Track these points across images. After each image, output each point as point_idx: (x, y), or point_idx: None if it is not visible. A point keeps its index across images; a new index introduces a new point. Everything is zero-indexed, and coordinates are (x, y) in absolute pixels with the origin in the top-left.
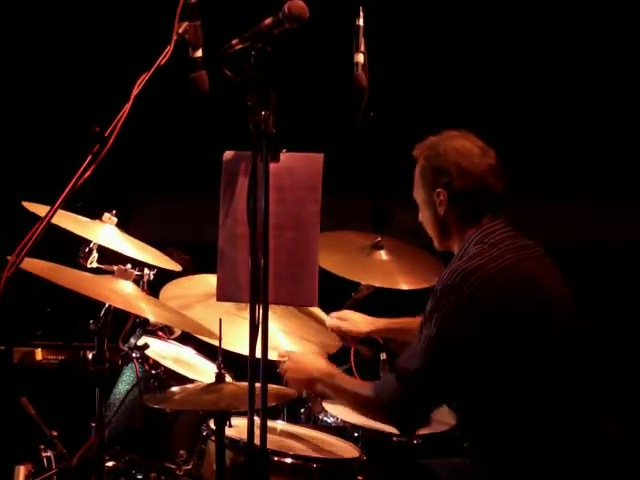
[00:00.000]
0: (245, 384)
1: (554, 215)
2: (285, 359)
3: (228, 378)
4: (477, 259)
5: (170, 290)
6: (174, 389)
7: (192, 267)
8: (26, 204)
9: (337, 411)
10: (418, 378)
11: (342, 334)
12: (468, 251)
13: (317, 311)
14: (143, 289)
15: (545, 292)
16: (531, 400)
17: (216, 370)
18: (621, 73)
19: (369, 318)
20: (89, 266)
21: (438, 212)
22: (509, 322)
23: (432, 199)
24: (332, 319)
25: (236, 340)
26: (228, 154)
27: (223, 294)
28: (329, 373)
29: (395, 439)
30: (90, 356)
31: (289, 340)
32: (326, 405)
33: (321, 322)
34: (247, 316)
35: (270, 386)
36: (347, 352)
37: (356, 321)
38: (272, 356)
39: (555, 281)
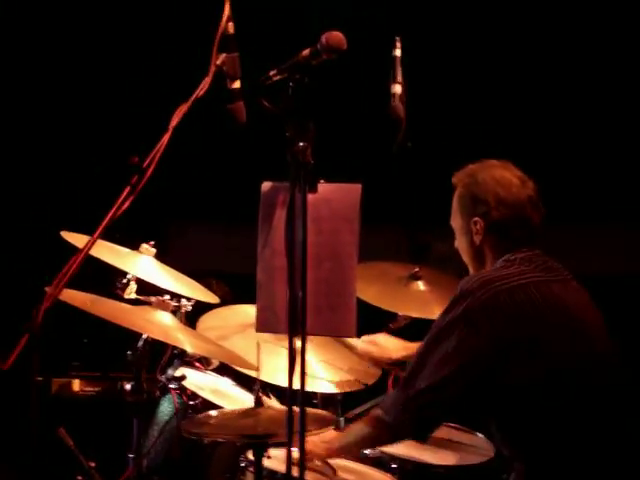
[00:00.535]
0: (282, 408)
1: (584, 246)
2: None
3: (272, 399)
4: (501, 270)
5: (207, 321)
6: (211, 413)
7: (231, 299)
8: (65, 234)
9: None
10: (426, 388)
11: (374, 360)
12: (496, 266)
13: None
14: (181, 320)
15: (572, 312)
16: (548, 417)
17: (254, 395)
18: None
19: (401, 343)
20: (127, 297)
21: (474, 241)
22: (523, 334)
23: (469, 227)
24: (363, 343)
25: (274, 371)
26: (266, 185)
27: (262, 325)
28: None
29: (432, 470)
30: (128, 387)
31: (325, 371)
32: None
33: (351, 348)
34: (285, 346)
35: (308, 410)
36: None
37: (387, 347)
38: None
39: (583, 304)
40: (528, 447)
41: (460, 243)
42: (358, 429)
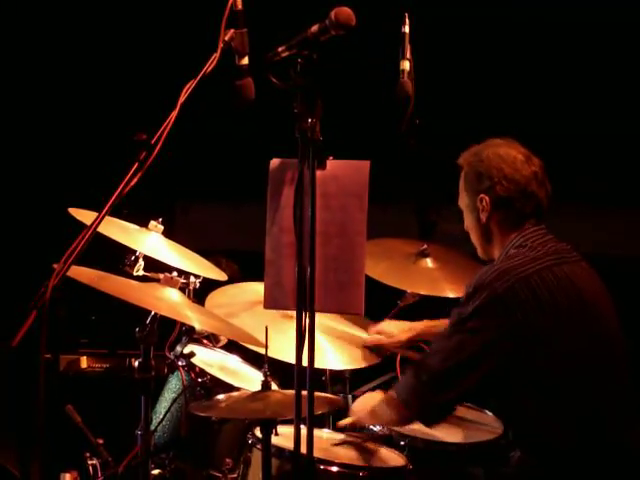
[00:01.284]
0: (291, 392)
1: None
2: None
3: (274, 386)
4: (515, 259)
5: (216, 298)
6: (220, 397)
7: (240, 276)
8: (73, 211)
9: None
10: (440, 376)
11: (384, 348)
12: (508, 253)
13: (359, 330)
14: (189, 297)
15: (583, 294)
16: (563, 402)
17: (262, 378)
18: None
19: (406, 324)
20: (135, 274)
21: (481, 218)
22: (544, 322)
23: (475, 205)
24: (371, 335)
25: (282, 348)
26: (274, 162)
27: (270, 302)
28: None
29: (441, 447)
30: (136, 364)
31: (333, 349)
32: None
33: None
34: (294, 322)
35: (316, 394)
36: (394, 360)
37: (393, 332)
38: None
39: (594, 285)
40: (530, 432)
41: (468, 222)
42: (377, 405)
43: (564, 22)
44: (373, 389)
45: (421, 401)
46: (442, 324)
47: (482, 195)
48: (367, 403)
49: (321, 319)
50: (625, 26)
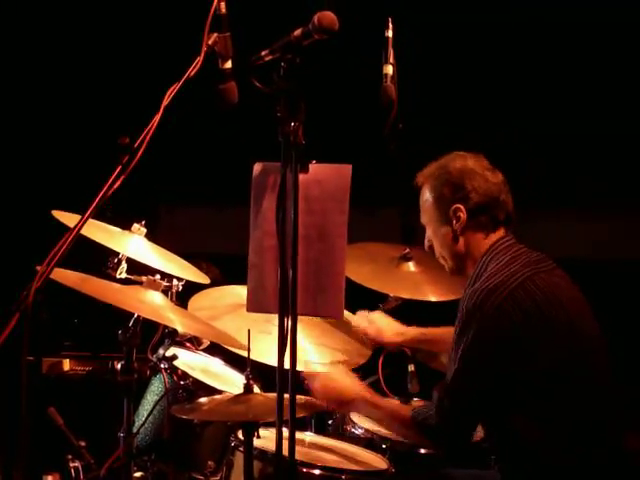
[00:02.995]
0: (273, 395)
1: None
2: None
3: (256, 389)
4: (496, 277)
5: (198, 301)
6: (202, 400)
7: (221, 280)
8: (56, 213)
9: (365, 423)
10: (455, 406)
11: (366, 337)
12: (486, 270)
13: (342, 332)
14: (172, 300)
15: (564, 302)
16: (557, 409)
17: (244, 381)
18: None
19: (397, 328)
20: (118, 277)
21: (455, 229)
22: (534, 333)
23: (448, 216)
24: (360, 318)
25: (264, 351)
26: (258, 166)
27: (253, 305)
28: (363, 393)
29: (422, 451)
30: (118, 366)
31: (317, 351)
32: (354, 417)
33: (347, 324)
34: (275, 327)
35: (298, 397)
36: (375, 364)
37: (382, 328)
38: (301, 367)
39: (571, 291)
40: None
41: (436, 237)
42: (397, 406)
43: (563, 21)
44: None
45: (443, 429)
46: (433, 333)
47: (457, 205)
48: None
49: (303, 323)
50: (624, 25)
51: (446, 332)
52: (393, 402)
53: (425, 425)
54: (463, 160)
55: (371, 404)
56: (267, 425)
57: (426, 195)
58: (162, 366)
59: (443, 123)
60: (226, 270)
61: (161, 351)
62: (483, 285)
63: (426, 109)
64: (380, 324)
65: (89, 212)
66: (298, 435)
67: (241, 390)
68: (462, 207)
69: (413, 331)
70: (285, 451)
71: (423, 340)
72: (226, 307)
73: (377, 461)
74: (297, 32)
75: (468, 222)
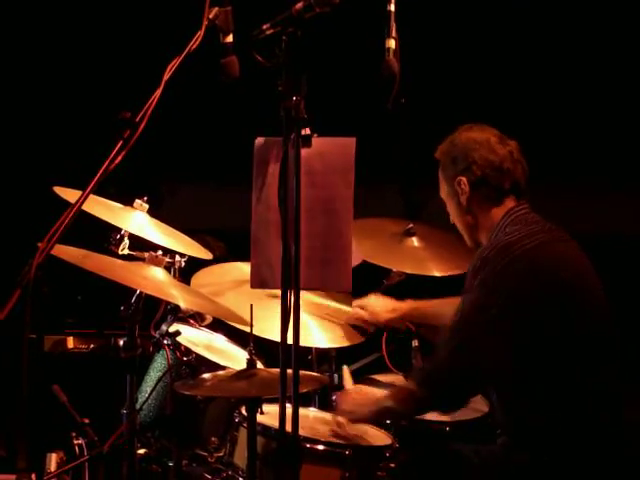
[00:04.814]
0: (276, 371)
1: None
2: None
3: (259, 364)
4: (513, 234)
5: (201, 277)
6: (205, 376)
7: (226, 254)
8: (57, 189)
9: None
10: (453, 359)
11: (366, 323)
12: (503, 230)
13: (346, 308)
14: (174, 276)
15: (577, 273)
16: (561, 379)
17: (247, 357)
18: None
19: (390, 304)
20: (120, 253)
21: (461, 201)
22: (543, 298)
23: (454, 189)
24: (354, 309)
25: (267, 326)
26: (259, 141)
27: (257, 281)
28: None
29: (427, 426)
30: (121, 343)
31: (318, 328)
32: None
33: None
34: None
35: (302, 372)
36: (379, 340)
37: (375, 309)
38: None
39: (587, 265)
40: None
41: (451, 211)
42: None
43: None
44: (358, 370)
45: (436, 381)
46: (427, 305)
47: (459, 177)
48: (361, 401)
49: (307, 297)
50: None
51: (439, 304)
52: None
53: (422, 374)
54: (468, 132)
55: (390, 405)
56: (271, 401)
57: (439, 172)
58: (165, 342)
59: (446, 96)
60: (230, 246)
61: (164, 327)
62: (499, 240)
63: (429, 84)
64: (373, 306)
65: (90, 188)
66: (302, 411)
67: (244, 366)
68: (464, 179)
69: (406, 305)
70: (289, 427)
71: (418, 313)
72: (229, 283)
73: (381, 437)
74: (298, 5)
75: (472, 194)
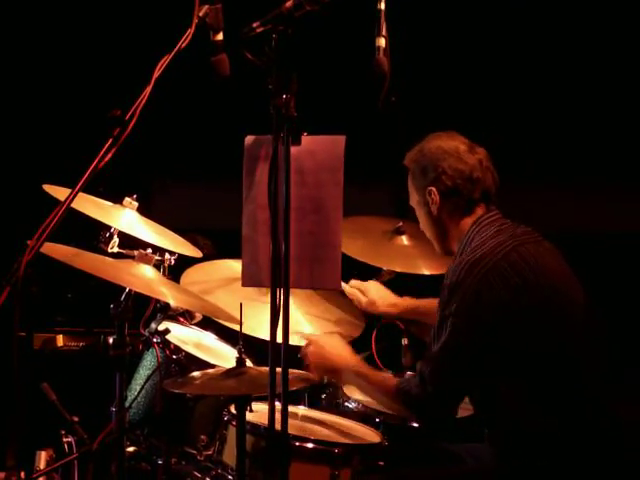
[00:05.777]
0: (266, 369)
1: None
2: (307, 342)
3: (248, 363)
4: (479, 250)
5: (191, 275)
6: (195, 374)
7: (214, 252)
8: (47, 187)
9: (359, 396)
10: (438, 382)
11: (359, 306)
12: (470, 244)
13: (335, 307)
14: (164, 274)
15: (550, 272)
16: (545, 384)
17: (237, 355)
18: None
19: (391, 297)
20: (110, 251)
21: (432, 211)
22: (518, 306)
23: (425, 199)
24: (351, 288)
25: (257, 325)
26: (249, 139)
27: (248, 279)
28: (354, 364)
29: (416, 425)
30: (111, 341)
31: (312, 325)
32: (347, 390)
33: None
34: (268, 301)
35: (291, 371)
36: (368, 338)
37: (374, 299)
38: (294, 340)
39: (558, 263)
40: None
41: (421, 219)
42: (384, 378)
43: None
44: None
45: (424, 404)
46: (425, 304)
47: (429, 187)
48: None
49: (297, 296)
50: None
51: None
52: (383, 374)
53: (407, 394)
54: (437, 141)
55: (360, 375)
56: (260, 399)
57: (409, 180)
58: (154, 340)
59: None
60: (219, 245)
61: (153, 325)
62: (465, 259)
63: (419, 83)
64: (373, 295)
65: (79, 185)
66: (291, 409)
67: (234, 364)
68: (434, 189)
69: (406, 302)
70: (278, 425)
71: (416, 312)
72: (219, 281)
73: (370, 435)
74: (289, 3)
75: (442, 204)
